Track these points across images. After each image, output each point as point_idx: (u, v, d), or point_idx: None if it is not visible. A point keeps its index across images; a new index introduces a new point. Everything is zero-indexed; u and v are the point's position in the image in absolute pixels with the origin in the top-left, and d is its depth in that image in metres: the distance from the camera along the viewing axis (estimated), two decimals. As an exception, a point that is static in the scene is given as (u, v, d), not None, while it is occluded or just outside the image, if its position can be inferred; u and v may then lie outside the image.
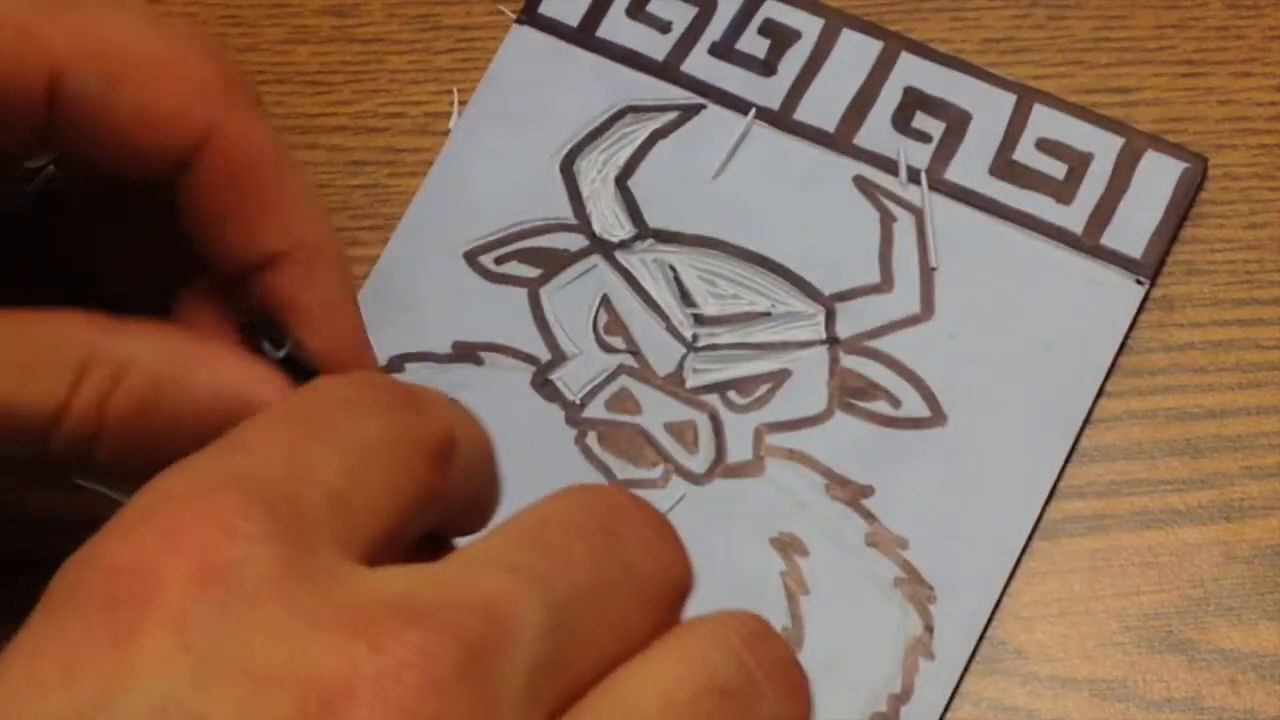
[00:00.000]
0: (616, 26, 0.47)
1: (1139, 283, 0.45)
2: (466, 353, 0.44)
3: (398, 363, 0.44)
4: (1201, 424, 0.44)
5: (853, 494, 0.43)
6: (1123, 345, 0.44)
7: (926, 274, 0.45)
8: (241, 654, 0.21)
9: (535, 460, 0.43)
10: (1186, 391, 0.44)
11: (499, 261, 0.45)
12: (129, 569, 0.22)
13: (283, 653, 0.21)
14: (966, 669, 0.41)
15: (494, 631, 0.22)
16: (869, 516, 0.42)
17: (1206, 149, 0.46)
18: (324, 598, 0.22)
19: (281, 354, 0.34)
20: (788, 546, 0.42)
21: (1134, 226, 0.45)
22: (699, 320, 0.44)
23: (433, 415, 0.26)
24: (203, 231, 0.35)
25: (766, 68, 0.47)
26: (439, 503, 0.26)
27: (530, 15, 0.48)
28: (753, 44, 0.47)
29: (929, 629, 0.41)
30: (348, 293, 0.37)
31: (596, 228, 0.45)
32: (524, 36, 0.47)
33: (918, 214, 0.45)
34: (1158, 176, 0.46)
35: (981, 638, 0.41)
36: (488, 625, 0.22)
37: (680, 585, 0.26)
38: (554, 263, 0.45)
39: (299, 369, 0.34)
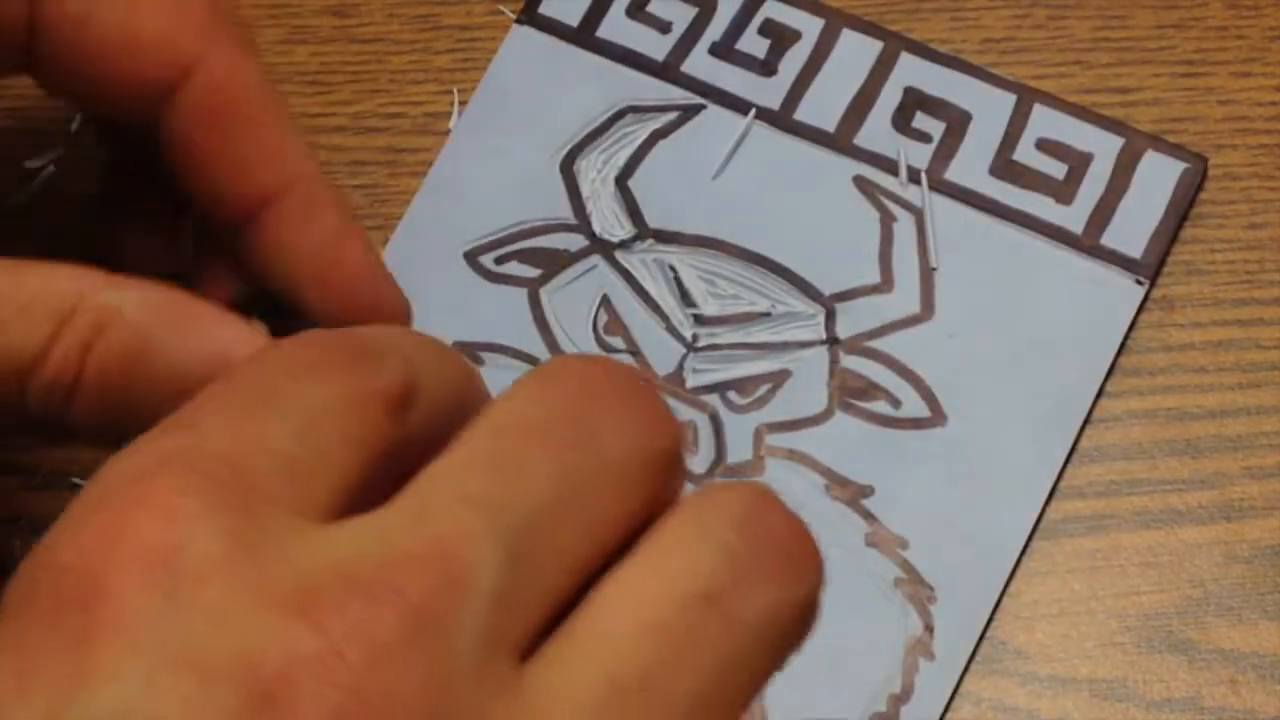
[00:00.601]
0: (616, 27, 0.47)
1: (1139, 283, 0.45)
2: (466, 353, 0.44)
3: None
4: (1201, 424, 0.44)
5: (853, 494, 0.43)
6: (1123, 345, 0.44)
7: (927, 274, 0.45)
8: (188, 644, 0.21)
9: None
10: (1186, 391, 0.44)
11: (499, 261, 0.45)
12: (75, 568, 0.22)
13: (227, 638, 0.21)
14: (966, 669, 0.41)
15: (442, 583, 0.21)
16: (869, 516, 0.42)
17: (1206, 149, 0.46)
18: (270, 571, 0.22)
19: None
20: None
21: (1134, 227, 0.45)
22: (699, 320, 0.44)
23: (388, 365, 0.25)
24: (192, 176, 0.34)
25: (766, 68, 0.47)
26: (410, 447, 0.25)
27: (530, 15, 0.48)
28: (752, 44, 0.47)
29: (929, 629, 0.41)
30: (355, 231, 0.35)
31: (596, 228, 0.45)
32: (524, 36, 0.47)
33: (918, 214, 0.45)
34: (1157, 177, 0.46)
35: (982, 638, 0.41)
36: (434, 578, 0.21)
37: (667, 454, 0.24)
38: (554, 263, 0.45)
39: None
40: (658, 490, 0.24)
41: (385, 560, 0.22)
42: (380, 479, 0.24)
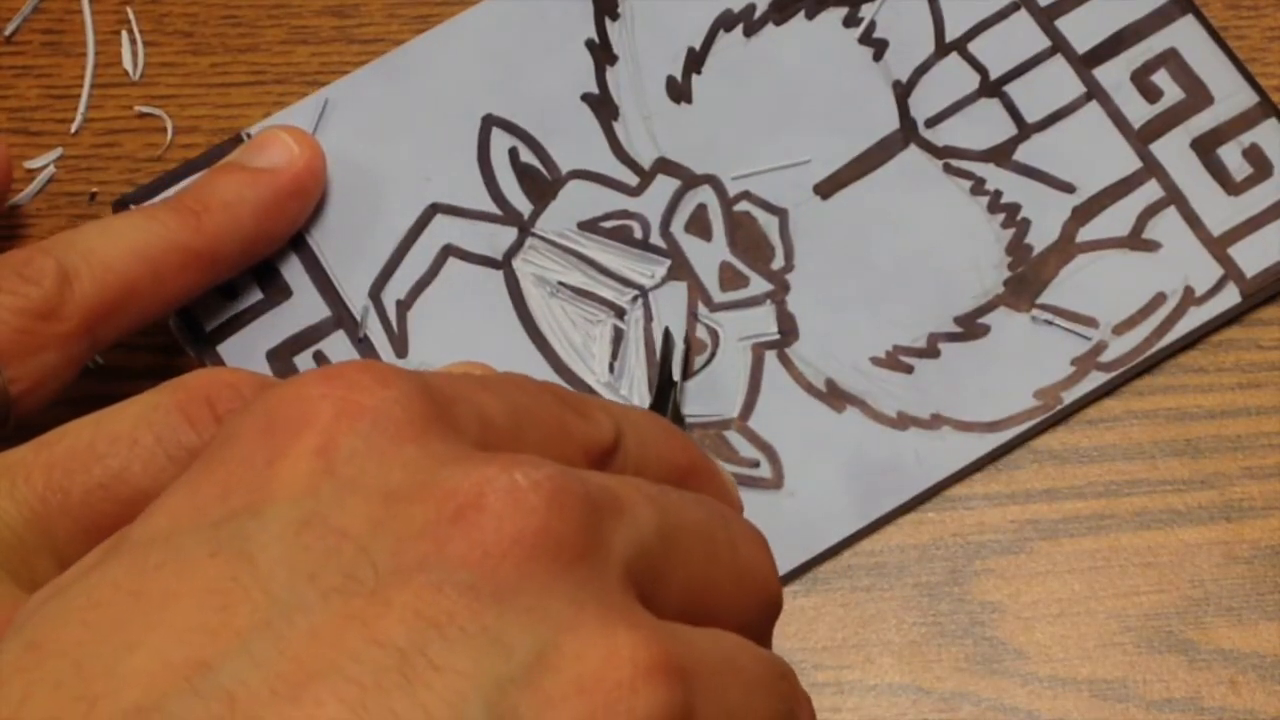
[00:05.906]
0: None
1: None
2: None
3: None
4: (1201, 424, 0.44)
5: None
6: (1123, 345, 0.44)
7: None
8: (380, 481, 0.23)
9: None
10: (1186, 391, 0.44)
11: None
12: (288, 401, 0.24)
13: (420, 478, 0.23)
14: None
15: (612, 504, 0.24)
16: None
17: (1206, 149, 0.46)
18: (461, 446, 0.24)
19: None
20: None
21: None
22: None
23: (602, 420, 0.27)
24: None
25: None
26: None
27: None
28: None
29: None
30: None
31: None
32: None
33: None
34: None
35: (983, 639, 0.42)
36: (608, 499, 0.24)
37: (773, 596, 0.27)
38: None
39: None
40: (759, 611, 0.27)
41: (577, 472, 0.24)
42: None
